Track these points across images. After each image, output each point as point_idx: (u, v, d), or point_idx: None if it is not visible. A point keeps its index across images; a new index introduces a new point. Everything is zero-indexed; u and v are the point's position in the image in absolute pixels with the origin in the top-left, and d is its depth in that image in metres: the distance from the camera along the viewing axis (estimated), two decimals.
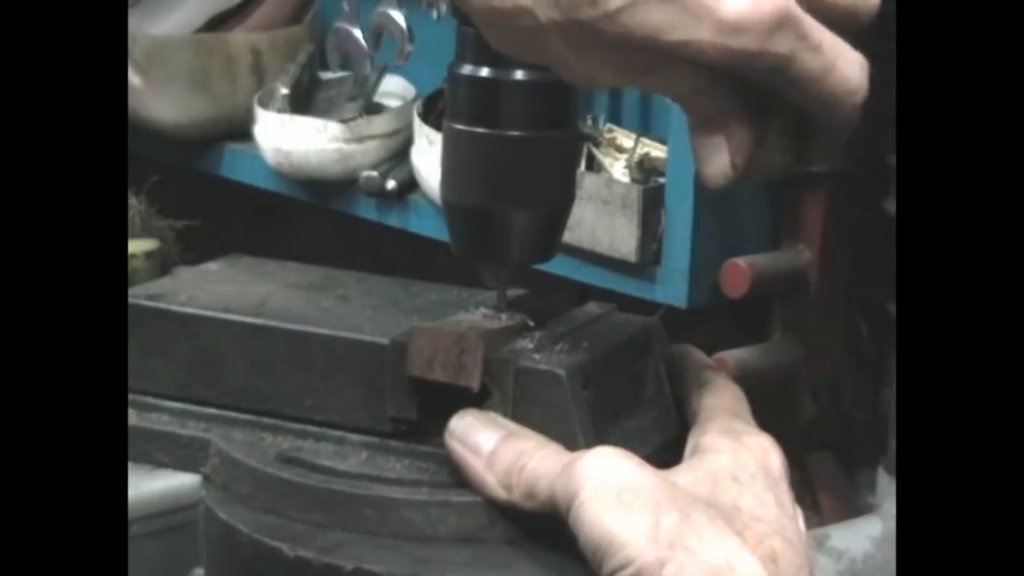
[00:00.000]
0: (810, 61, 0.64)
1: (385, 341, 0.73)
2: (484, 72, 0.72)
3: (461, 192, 0.74)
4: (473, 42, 0.72)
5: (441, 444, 0.71)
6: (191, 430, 0.77)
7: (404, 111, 1.82)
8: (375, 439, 0.74)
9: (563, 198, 0.75)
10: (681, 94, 0.66)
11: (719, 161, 0.67)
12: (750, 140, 0.67)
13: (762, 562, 0.65)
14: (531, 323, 0.76)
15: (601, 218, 1.52)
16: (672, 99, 0.68)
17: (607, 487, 0.66)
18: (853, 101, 0.66)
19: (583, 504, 0.66)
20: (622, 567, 0.64)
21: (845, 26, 0.66)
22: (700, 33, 0.62)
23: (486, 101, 0.72)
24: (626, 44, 0.63)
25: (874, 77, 0.66)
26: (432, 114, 1.74)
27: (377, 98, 1.89)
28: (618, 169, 1.58)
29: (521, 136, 0.72)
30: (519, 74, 0.71)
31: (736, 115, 0.66)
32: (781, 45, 0.63)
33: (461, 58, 0.73)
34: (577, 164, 1.52)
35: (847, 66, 0.65)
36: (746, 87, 0.65)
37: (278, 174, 1.86)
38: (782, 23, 0.63)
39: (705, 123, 0.67)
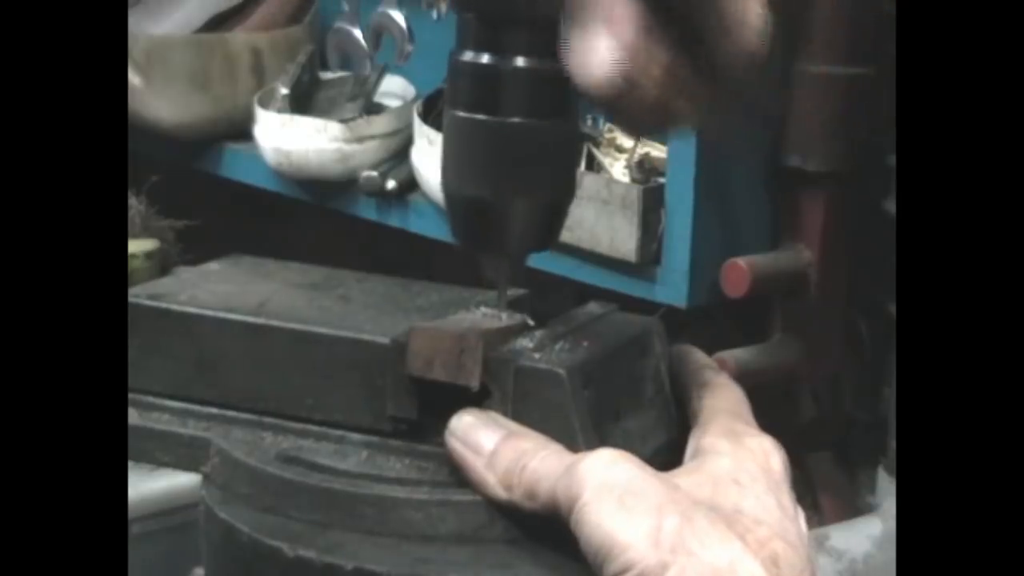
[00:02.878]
0: None
1: (385, 341, 0.73)
2: (485, 59, 0.71)
3: (461, 181, 0.73)
4: (473, 29, 0.71)
5: (441, 444, 0.71)
6: (191, 429, 0.77)
7: (404, 111, 1.82)
8: (375, 438, 0.74)
9: (564, 186, 0.75)
10: None
11: (599, 54, 0.61)
12: (633, 21, 0.61)
13: (764, 565, 0.65)
14: (531, 323, 0.76)
15: (601, 218, 1.52)
16: None
17: (609, 490, 0.66)
18: (747, 36, 0.62)
19: (584, 507, 0.66)
20: (624, 570, 0.64)
21: None
22: None
23: (487, 88, 0.72)
24: None
25: (874, 78, 0.66)
26: (432, 114, 1.74)
27: (377, 98, 1.89)
28: (618, 169, 1.58)
29: (522, 123, 0.71)
30: (520, 61, 0.71)
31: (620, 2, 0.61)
32: None
33: (462, 45, 0.72)
34: (578, 155, 1.52)
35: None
36: None
37: (278, 174, 1.86)
38: None
39: (586, 9, 0.62)
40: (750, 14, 0.61)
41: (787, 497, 0.70)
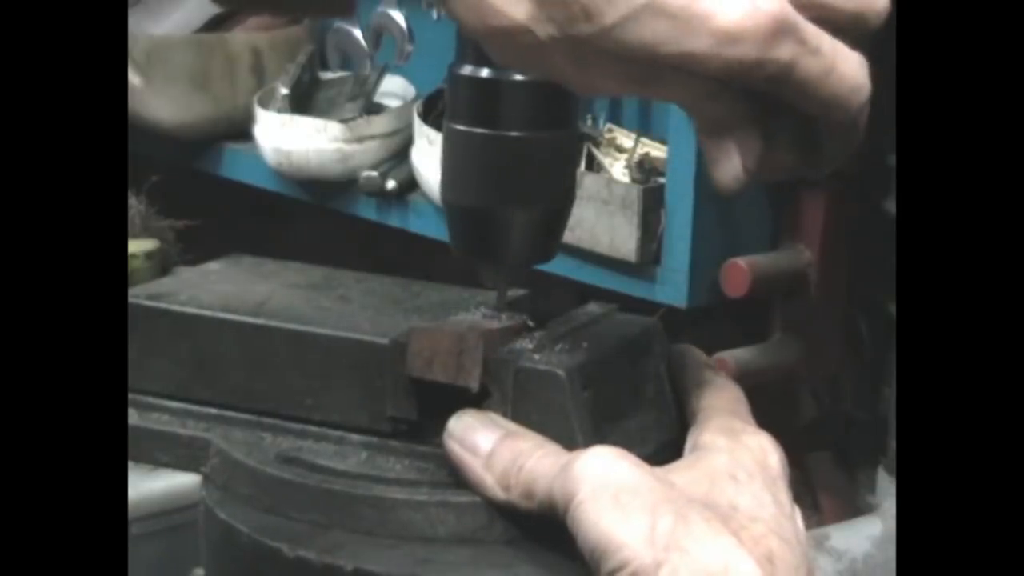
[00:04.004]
0: (811, 65, 0.64)
1: (385, 341, 0.73)
2: (484, 73, 0.72)
3: (461, 193, 0.74)
4: (473, 43, 0.72)
5: (440, 444, 0.71)
6: (191, 430, 0.77)
7: (404, 111, 1.82)
8: (375, 439, 0.74)
9: (563, 199, 0.75)
10: (687, 102, 0.66)
11: (730, 166, 0.67)
12: (760, 143, 0.67)
13: (759, 563, 0.65)
14: (531, 323, 0.76)
15: (601, 218, 1.52)
16: (679, 106, 0.68)
17: (604, 488, 0.66)
18: (857, 100, 0.66)
19: (580, 505, 0.66)
20: (619, 569, 0.64)
21: (852, 32, 0.66)
22: (698, 44, 0.62)
23: (486, 102, 0.72)
24: (625, 57, 0.63)
25: (874, 77, 0.66)
26: (432, 114, 1.74)
27: (377, 98, 1.89)
28: (618, 169, 1.59)
29: (521, 136, 0.72)
30: (519, 75, 0.71)
31: (744, 119, 0.66)
32: (781, 52, 0.63)
33: (461, 58, 0.73)
34: (577, 164, 1.52)
35: (847, 65, 0.65)
36: (751, 94, 0.66)
37: (278, 174, 1.86)
38: (780, 30, 0.63)
39: (714, 128, 0.67)
40: (853, 77, 0.65)
41: (784, 494, 0.70)
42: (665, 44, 0.62)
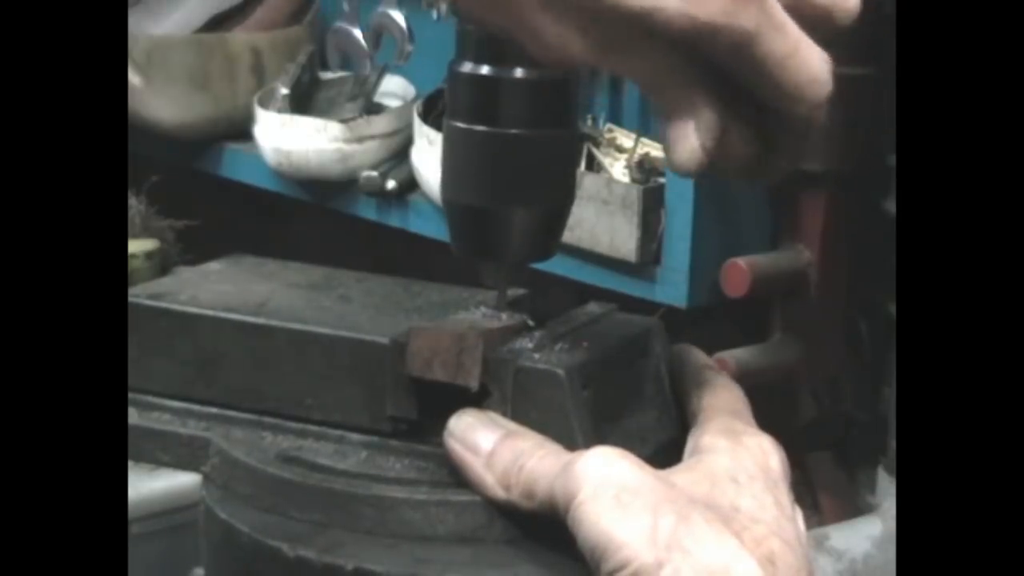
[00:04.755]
0: (775, 41, 0.65)
1: (385, 341, 0.73)
2: (484, 70, 0.72)
3: (461, 191, 0.74)
4: (473, 40, 0.72)
5: (440, 444, 0.71)
6: (191, 429, 0.77)
7: (404, 111, 1.82)
8: (375, 438, 0.74)
9: (563, 197, 0.75)
10: (650, 77, 0.67)
11: (688, 144, 0.67)
12: (718, 123, 0.67)
13: (760, 564, 0.65)
14: (531, 323, 0.76)
15: (601, 218, 1.52)
16: (641, 85, 0.68)
17: (605, 487, 0.66)
18: (816, 92, 0.66)
19: (581, 504, 0.66)
20: (619, 568, 0.64)
21: (819, 28, 0.67)
22: (667, 1, 0.63)
23: (486, 99, 0.72)
24: (595, 8, 0.63)
25: (874, 78, 0.66)
26: (432, 114, 1.74)
27: (377, 98, 1.89)
28: (618, 169, 1.59)
29: (521, 134, 0.72)
30: (519, 72, 0.71)
31: (703, 98, 0.67)
32: (746, 18, 0.64)
33: (461, 56, 0.72)
34: (577, 163, 1.52)
35: (810, 53, 0.66)
36: (713, 73, 0.66)
37: (278, 174, 1.86)
38: None
39: (674, 106, 0.67)
40: (814, 67, 0.66)
41: (785, 496, 0.70)
42: None
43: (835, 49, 0.67)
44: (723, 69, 0.66)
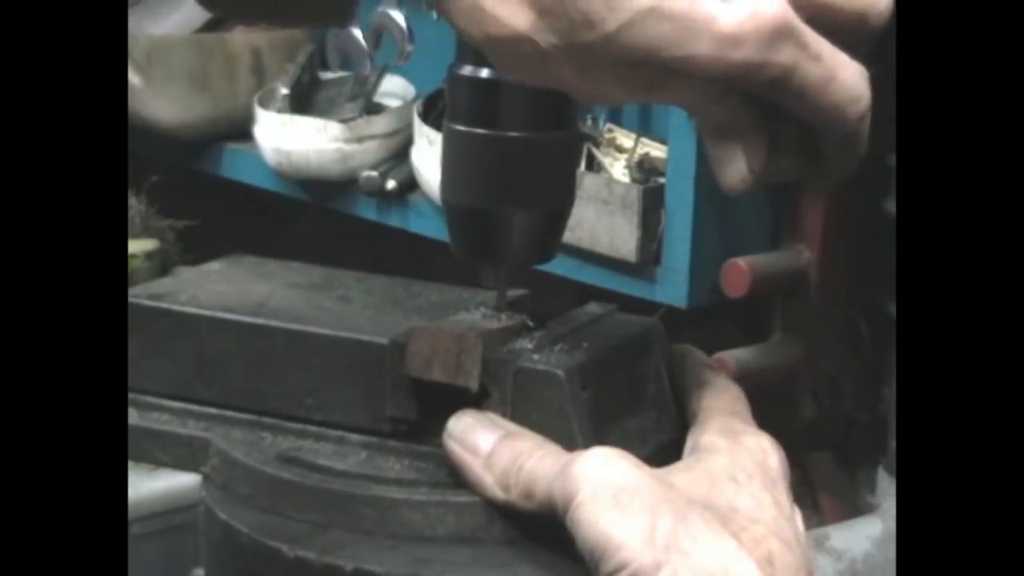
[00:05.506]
0: (811, 71, 0.64)
1: (384, 341, 0.73)
2: (484, 73, 0.72)
3: (461, 193, 0.74)
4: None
5: (440, 444, 0.71)
6: (191, 429, 0.77)
7: (404, 111, 1.82)
8: (374, 439, 0.74)
9: (563, 198, 0.75)
10: (692, 106, 0.67)
11: (736, 168, 0.67)
12: (764, 146, 0.67)
13: (759, 564, 0.65)
14: (531, 323, 0.76)
15: (601, 218, 1.52)
16: (685, 111, 0.68)
17: (604, 488, 0.66)
18: (857, 110, 0.66)
19: (580, 505, 0.66)
20: (618, 569, 0.64)
21: (854, 33, 0.66)
22: (700, 48, 0.63)
23: (486, 102, 0.72)
24: (628, 63, 0.63)
25: (874, 78, 0.66)
26: (432, 114, 1.74)
27: (377, 98, 1.89)
28: (618, 169, 1.59)
29: (521, 137, 0.72)
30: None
31: (749, 121, 0.67)
32: (782, 55, 0.63)
33: (461, 59, 0.73)
34: (577, 164, 1.52)
35: (848, 74, 0.65)
36: (755, 99, 0.66)
37: (278, 174, 1.86)
38: (781, 33, 0.63)
39: (719, 131, 0.67)
40: (853, 87, 0.66)
41: (784, 496, 0.70)
42: (667, 49, 0.62)
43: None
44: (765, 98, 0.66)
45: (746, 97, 0.66)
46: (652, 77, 0.64)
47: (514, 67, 0.66)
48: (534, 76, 0.66)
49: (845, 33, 0.66)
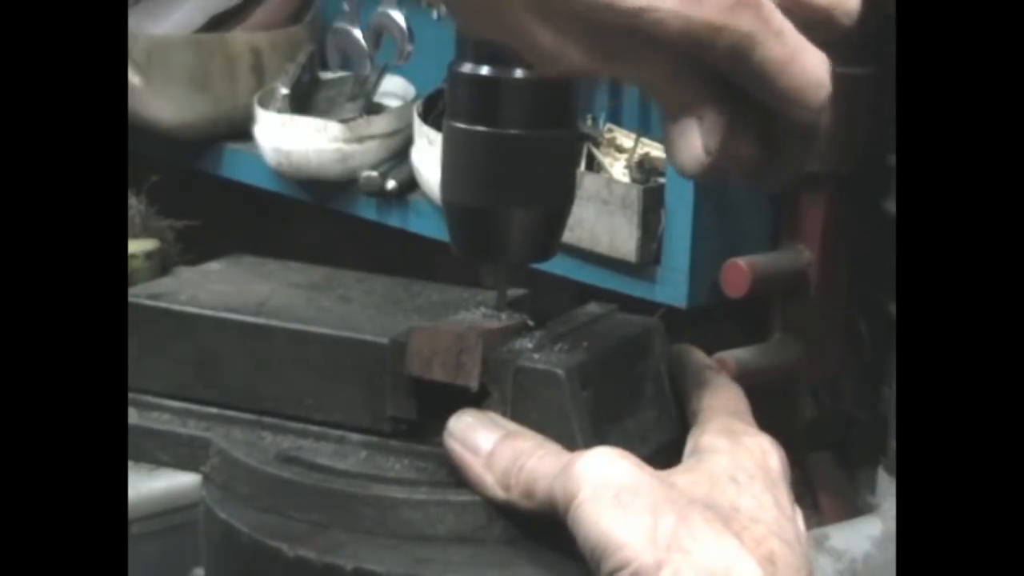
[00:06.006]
0: (772, 47, 0.64)
1: (385, 341, 0.73)
2: (484, 71, 0.72)
3: (461, 191, 0.74)
4: (473, 41, 0.72)
5: (440, 444, 0.71)
6: (191, 429, 0.77)
7: (404, 111, 1.82)
8: (374, 438, 0.74)
9: (563, 197, 0.75)
10: (652, 82, 0.66)
11: (692, 146, 0.67)
12: (722, 124, 0.67)
13: (760, 563, 0.65)
14: (531, 323, 0.76)
15: (601, 218, 1.52)
16: (644, 89, 0.68)
17: (605, 488, 0.66)
18: (817, 96, 0.66)
19: (581, 505, 0.66)
20: (619, 569, 0.64)
21: (823, 31, 0.66)
22: (663, 1, 0.63)
23: (486, 99, 0.72)
24: (590, 17, 0.63)
25: (874, 78, 0.66)
26: (432, 114, 1.74)
27: (377, 98, 1.89)
28: (618, 169, 1.59)
29: (521, 135, 0.72)
30: (519, 72, 0.71)
31: (707, 99, 0.66)
32: (742, 21, 0.63)
33: (461, 56, 0.72)
34: (577, 163, 1.52)
35: (809, 58, 0.65)
36: (716, 78, 0.66)
37: (278, 174, 1.86)
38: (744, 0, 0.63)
39: (677, 110, 0.67)
40: (814, 71, 0.66)
41: (785, 496, 0.70)
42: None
43: (835, 49, 0.67)
44: (725, 74, 0.66)
45: (706, 77, 0.66)
46: (612, 41, 0.64)
47: (477, 21, 0.65)
48: (493, 27, 0.65)
49: (815, 31, 0.66)
